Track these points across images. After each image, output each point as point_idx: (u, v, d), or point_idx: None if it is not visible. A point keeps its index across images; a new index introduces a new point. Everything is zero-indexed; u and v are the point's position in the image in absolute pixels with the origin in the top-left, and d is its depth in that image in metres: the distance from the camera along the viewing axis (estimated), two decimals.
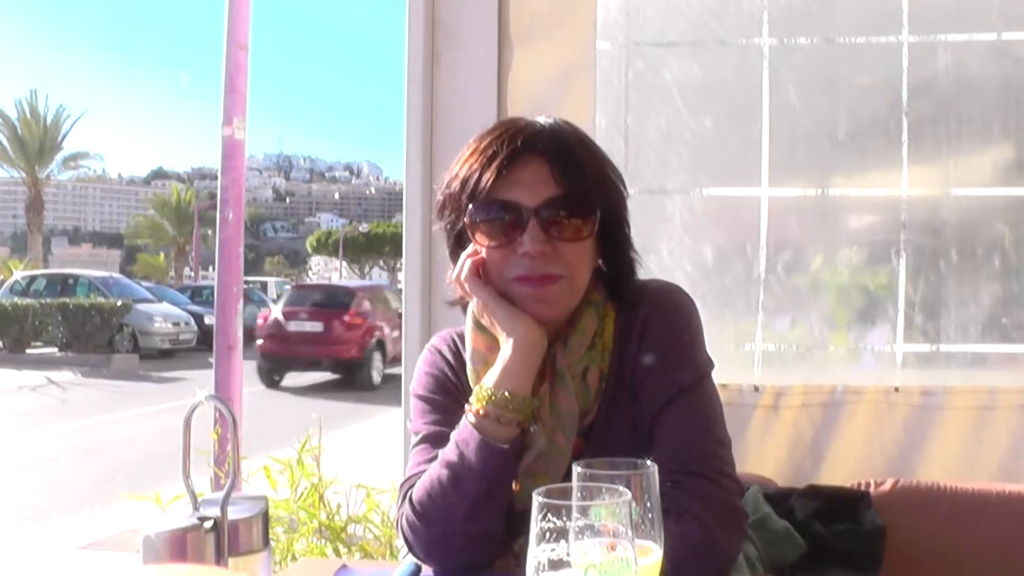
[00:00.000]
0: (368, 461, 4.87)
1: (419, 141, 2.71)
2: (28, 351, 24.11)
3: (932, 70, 2.80)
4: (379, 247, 64.51)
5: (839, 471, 2.60)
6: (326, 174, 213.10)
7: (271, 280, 36.59)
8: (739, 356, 2.82)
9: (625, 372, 1.65)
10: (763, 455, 2.65)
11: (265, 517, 1.25)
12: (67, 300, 24.42)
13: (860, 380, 2.72)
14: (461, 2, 2.77)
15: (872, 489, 2.39)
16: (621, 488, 1.03)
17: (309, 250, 76.08)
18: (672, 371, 1.62)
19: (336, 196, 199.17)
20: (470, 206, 1.62)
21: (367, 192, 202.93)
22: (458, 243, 1.72)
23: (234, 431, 1.17)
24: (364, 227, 68.72)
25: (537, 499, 1.02)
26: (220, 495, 1.19)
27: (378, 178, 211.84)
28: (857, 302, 2.86)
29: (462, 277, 1.66)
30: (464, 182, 1.64)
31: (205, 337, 24.97)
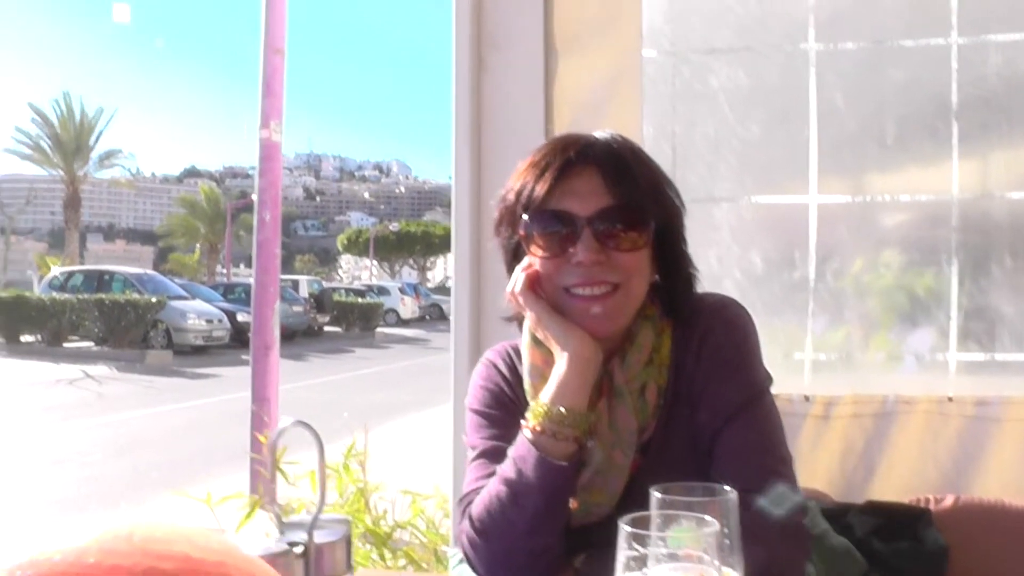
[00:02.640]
0: None
1: (467, 153, 2.70)
2: (65, 345, 24.50)
3: (982, 71, 2.75)
4: (409, 246, 65.00)
5: (892, 484, 2.56)
6: (356, 173, 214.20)
7: (303, 279, 36.68)
8: (788, 365, 2.79)
9: (683, 388, 1.64)
10: (814, 467, 2.62)
11: (348, 541, 1.26)
12: (103, 296, 24.74)
13: (912, 389, 2.68)
14: (507, 11, 2.76)
15: (932, 506, 2.35)
16: (707, 517, 1.02)
17: (340, 248, 76.54)
18: (731, 387, 1.61)
19: (366, 195, 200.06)
20: (524, 217, 1.62)
21: (396, 191, 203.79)
22: (514, 257, 1.72)
23: (321, 455, 1.18)
24: (394, 226, 69.20)
25: (624, 528, 1.01)
26: (305, 518, 1.21)
27: (407, 177, 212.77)
28: (908, 309, 2.82)
29: (516, 290, 1.66)
30: (518, 194, 1.65)
31: (238, 334, 25.25)
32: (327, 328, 33.01)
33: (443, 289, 54.72)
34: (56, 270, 30.35)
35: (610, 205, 1.58)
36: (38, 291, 27.83)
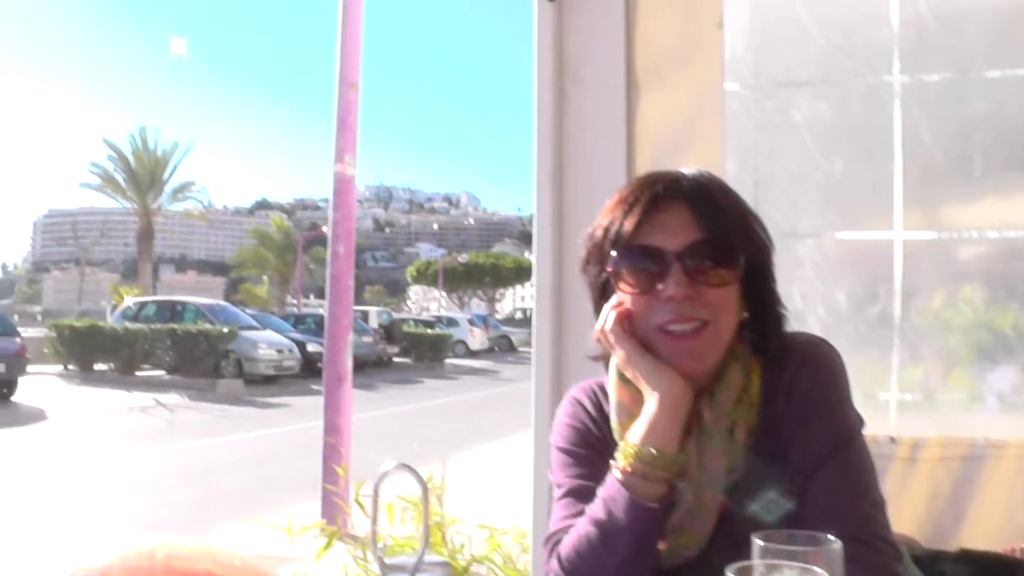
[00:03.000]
0: None
1: (548, 188, 2.69)
2: (137, 373, 24.89)
3: None
4: (478, 277, 65.44)
5: (982, 531, 2.48)
6: (425, 205, 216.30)
7: (372, 309, 36.97)
8: (873, 405, 2.72)
9: (772, 429, 1.60)
10: (900, 511, 2.54)
11: None
12: (175, 326, 25.25)
13: (1001, 432, 2.60)
14: (588, 44, 2.75)
15: None
16: (815, 568, 0.99)
17: (409, 279, 77.26)
18: (822, 430, 1.57)
19: (435, 226, 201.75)
20: (612, 253, 1.60)
21: (465, 222, 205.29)
22: (602, 296, 1.69)
23: (425, 500, 1.17)
24: (463, 258, 69.54)
25: None
26: (406, 560, 1.20)
27: (476, 208, 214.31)
28: (996, 350, 2.74)
29: (606, 328, 1.63)
30: (606, 230, 1.63)
31: (308, 364, 25.57)
32: (396, 359, 33.22)
33: (512, 320, 54.82)
34: (129, 300, 31.08)
35: (700, 239, 1.56)
36: (111, 321, 28.42)
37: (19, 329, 22.49)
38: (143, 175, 50.66)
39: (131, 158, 51.47)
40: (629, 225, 1.58)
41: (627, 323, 1.62)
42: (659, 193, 1.59)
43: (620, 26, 2.71)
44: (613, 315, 1.62)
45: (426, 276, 70.15)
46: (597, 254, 1.66)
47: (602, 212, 1.67)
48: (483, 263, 66.52)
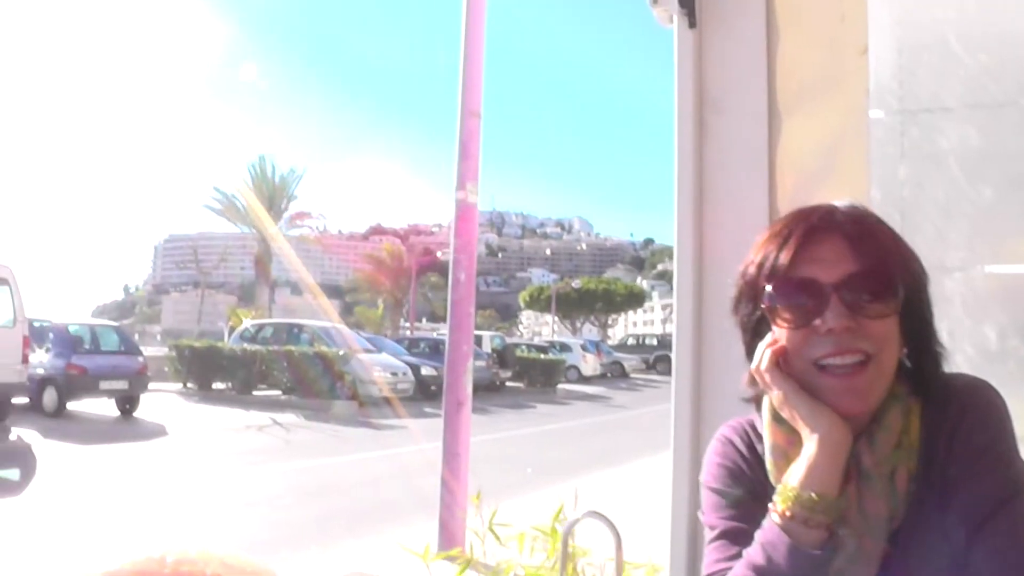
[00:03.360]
0: None
1: (690, 215, 2.65)
2: (254, 393, 25.54)
3: None
4: (590, 303, 65.52)
5: None
6: (537, 230, 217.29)
7: (485, 334, 37.14)
8: None
9: (934, 476, 1.53)
10: None
11: None
12: (292, 348, 25.72)
13: None
14: (729, 71, 2.71)
15: None
16: None
17: (522, 304, 77.75)
18: (989, 481, 1.49)
19: (547, 252, 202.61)
20: (767, 288, 1.56)
21: (578, 248, 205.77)
22: (754, 336, 1.65)
23: (618, 547, 1.15)
24: (576, 283, 69.73)
25: None
26: None
27: (588, 234, 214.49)
28: None
29: (762, 368, 1.59)
30: (760, 266, 1.59)
31: (422, 387, 25.87)
32: (508, 383, 33.31)
33: (623, 346, 54.58)
34: (247, 322, 31.89)
35: (857, 271, 1.52)
36: (229, 342, 29.19)
37: (140, 348, 23.18)
38: (262, 202, 52.14)
39: (251, 185, 53.06)
40: (784, 258, 1.54)
41: (783, 362, 1.57)
42: (814, 225, 1.56)
43: (762, 53, 2.66)
44: (768, 353, 1.58)
45: (539, 301, 70.60)
46: (750, 291, 1.62)
47: (753, 248, 1.63)
48: (595, 289, 66.76)
